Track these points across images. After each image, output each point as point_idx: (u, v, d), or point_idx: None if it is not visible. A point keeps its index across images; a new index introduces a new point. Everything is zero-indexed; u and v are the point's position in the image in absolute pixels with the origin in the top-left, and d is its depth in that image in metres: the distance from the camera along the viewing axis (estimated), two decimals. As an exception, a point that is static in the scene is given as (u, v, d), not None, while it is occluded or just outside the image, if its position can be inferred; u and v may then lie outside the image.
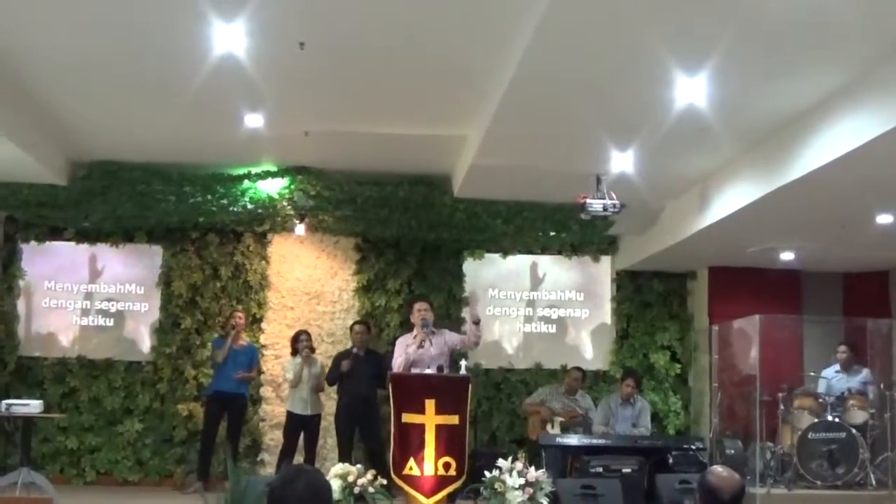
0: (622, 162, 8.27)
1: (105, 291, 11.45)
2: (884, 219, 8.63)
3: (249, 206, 10.23)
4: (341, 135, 8.68)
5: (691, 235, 9.60)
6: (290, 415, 10.40)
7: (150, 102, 7.90)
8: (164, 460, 11.02)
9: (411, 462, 8.10)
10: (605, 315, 12.05)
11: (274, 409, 11.13)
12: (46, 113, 8.22)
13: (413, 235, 11.14)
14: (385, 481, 7.96)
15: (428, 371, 8.47)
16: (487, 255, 11.84)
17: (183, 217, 10.72)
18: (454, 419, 8.19)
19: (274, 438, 10.99)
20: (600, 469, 8.95)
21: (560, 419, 10.31)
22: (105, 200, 10.07)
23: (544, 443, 9.72)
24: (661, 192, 9.63)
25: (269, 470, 10.72)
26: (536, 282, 12.01)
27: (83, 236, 11.34)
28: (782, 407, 9.83)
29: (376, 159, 9.55)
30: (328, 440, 10.76)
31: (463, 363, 8.53)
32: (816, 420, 9.67)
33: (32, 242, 11.30)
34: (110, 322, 11.43)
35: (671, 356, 11.80)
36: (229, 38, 6.15)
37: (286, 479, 3.07)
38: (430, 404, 8.15)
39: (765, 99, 6.84)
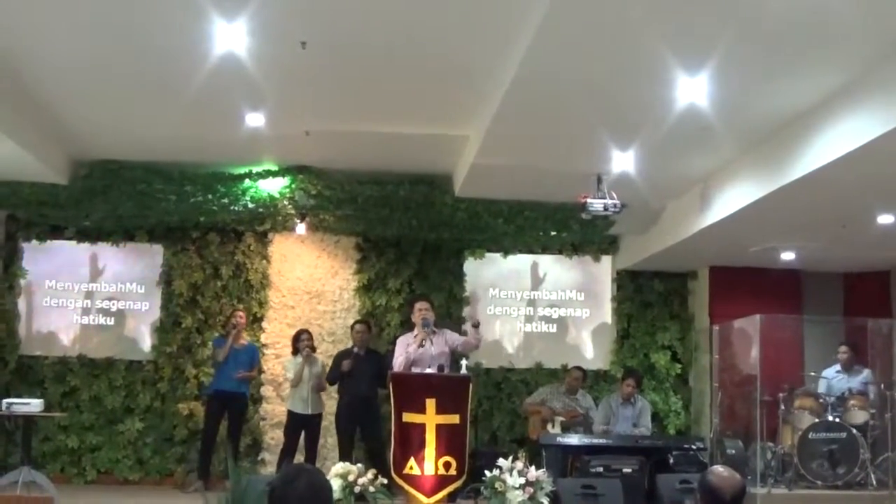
0: (623, 162, 8.27)
1: (106, 290, 11.45)
2: (884, 219, 8.63)
3: (250, 206, 10.23)
4: (342, 134, 8.69)
5: (692, 235, 9.60)
6: (290, 414, 10.40)
7: (151, 101, 7.90)
8: (165, 459, 11.03)
9: (412, 461, 8.11)
10: (606, 315, 12.05)
11: (274, 409, 11.14)
12: (47, 112, 8.22)
13: (414, 235, 11.14)
14: (385, 481, 7.96)
15: (428, 370, 8.48)
16: (488, 255, 11.84)
17: (184, 216, 10.72)
18: (455, 419, 8.20)
19: (274, 438, 10.99)
20: (601, 469, 8.94)
21: (560, 419, 10.31)
22: (106, 199, 10.07)
23: (545, 442, 9.72)
24: (661, 192, 9.63)
25: (269, 469, 10.72)
26: (537, 281, 12.01)
27: (84, 235, 11.34)
28: (783, 407, 9.82)
29: (377, 159, 9.55)
30: (328, 439, 10.75)
31: (463, 363, 8.54)
32: (817, 420, 9.67)
33: (33, 241, 11.30)
34: (111, 321, 11.44)
35: (672, 356, 11.80)
36: (230, 37, 6.15)
37: (287, 479, 3.07)
38: (430, 404, 8.16)
39: (765, 99, 6.84)
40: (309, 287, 11.49)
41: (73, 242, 11.37)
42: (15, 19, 6.28)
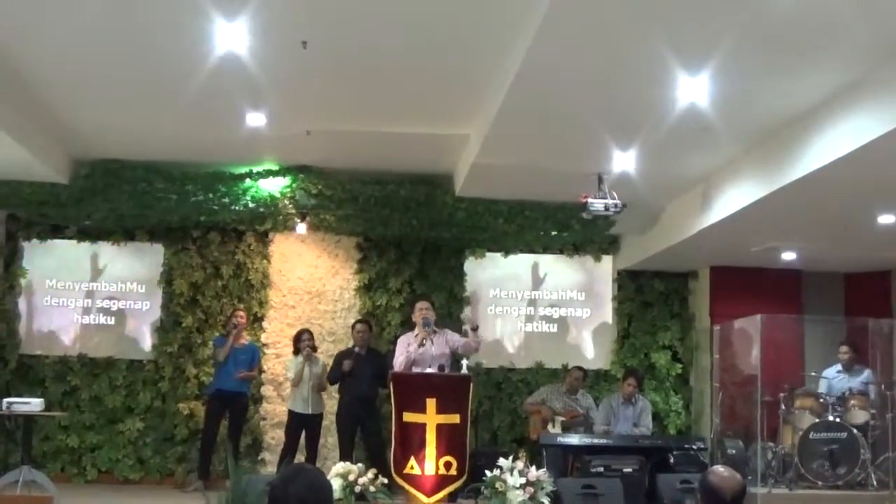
0: (624, 161, 8.27)
1: (106, 290, 11.45)
2: (885, 219, 8.62)
3: (251, 205, 10.22)
4: (343, 134, 8.69)
5: (693, 235, 9.60)
6: (291, 413, 10.40)
7: (151, 101, 7.90)
8: (165, 459, 11.03)
9: (412, 461, 8.12)
10: (607, 314, 12.05)
11: (275, 408, 11.14)
12: (48, 111, 8.22)
13: (414, 234, 11.13)
14: (386, 480, 7.96)
15: (429, 370, 8.48)
16: (489, 255, 11.84)
17: (184, 216, 10.72)
18: (455, 418, 8.21)
19: (275, 437, 11.00)
20: (601, 469, 8.95)
21: (561, 419, 10.31)
22: (107, 199, 10.07)
23: (545, 442, 9.72)
24: (662, 192, 9.63)
25: (269, 469, 10.71)
26: (538, 281, 12.01)
27: (85, 235, 11.35)
28: (783, 407, 9.82)
29: (378, 158, 9.55)
30: (329, 439, 10.75)
31: (464, 362, 8.55)
32: (817, 420, 9.66)
33: (34, 241, 11.31)
34: (111, 320, 11.44)
35: (672, 356, 11.80)
36: (231, 37, 6.15)
37: (287, 478, 3.07)
38: (431, 403, 8.17)
39: (766, 98, 6.83)
40: (309, 287, 11.48)
41: (74, 242, 11.38)
42: (16, 19, 6.27)
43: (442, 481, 8.11)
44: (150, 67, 7.05)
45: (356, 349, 10.30)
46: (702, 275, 11.80)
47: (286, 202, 10.19)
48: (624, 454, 9.22)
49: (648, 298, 11.95)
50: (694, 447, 9.62)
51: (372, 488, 7.78)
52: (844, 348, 10.34)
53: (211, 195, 10.05)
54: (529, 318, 11.96)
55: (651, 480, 8.93)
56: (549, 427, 10.25)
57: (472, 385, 8.46)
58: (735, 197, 8.53)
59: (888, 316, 10.68)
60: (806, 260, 10.77)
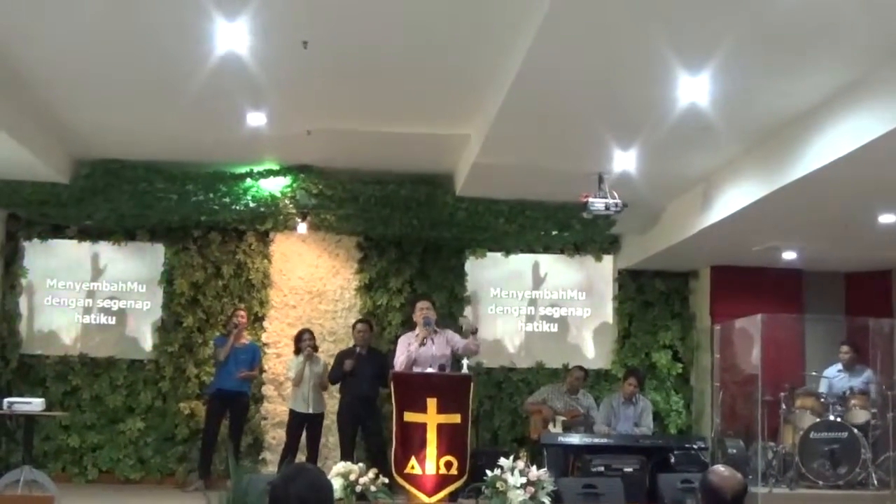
0: (624, 161, 8.27)
1: (107, 290, 11.45)
2: (886, 218, 8.62)
3: (251, 205, 10.23)
4: (343, 133, 8.69)
5: (693, 235, 9.61)
6: (292, 413, 10.41)
7: (152, 101, 7.91)
8: (166, 459, 11.03)
9: (413, 461, 8.12)
10: (607, 314, 12.05)
11: (276, 408, 11.14)
12: (49, 111, 8.23)
13: (415, 234, 11.13)
14: (387, 480, 7.96)
15: (430, 370, 8.48)
16: (489, 254, 11.84)
17: (185, 215, 10.72)
18: (456, 418, 8.21)
19: (276, 437, 11.00)
20: (602, 468, 8.96)
21: (562, 418, 10.31)
22: (107, 199, 10.07)
23: (546, 442, 9.72)
24: (663, 192, 9.63)
25: (270, 468, 10.71)
26: (538, 281, 12.01)
27: (85, 234, 11.35)
28: (784, 406, 9.81)
29: (378, 158, 9.55)
30: (330, 439, 10.75)
31: (465, 362, 8.56)
32: (818, 420, 9.65)
33: (35, 240, 11.31)
34: (112, 320, 11.44)
35: (673, 355, 11.80)
36: (232, 37, 6.15)
37: (288, 478, 3.07)
38: (431, 403, 8.17)
39: (767, 98, 6.83)
40: (310, 286, 11.49)
41: (75, 242, 11.38)
42: (17, 18, 6.28)
43: (443, 481, 8.11)
44: (150, 67, 7.05)
45: (357, 349, 10.30)
46: (702, 274, 11.80)
47: (287, 202, 10.20)
48: (625, 454, 9.22)
49: (649, 298, 11.94)
50: (695, 447, 9.63)
51: (373, 488, 7.78)
52: (845, 348, 10.33)
53: (211, 195, 10.05)
54: (530, 318, 11.96)
55: (652, 480, 8.94)
56: (550, 427, 10.25)
57: (472, 385, 8.46)
58: (736, 196, 8.53)
59: (889, 315, 10.67)
60: (807, 259, 10.77)
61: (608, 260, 12.06)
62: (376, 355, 10.35)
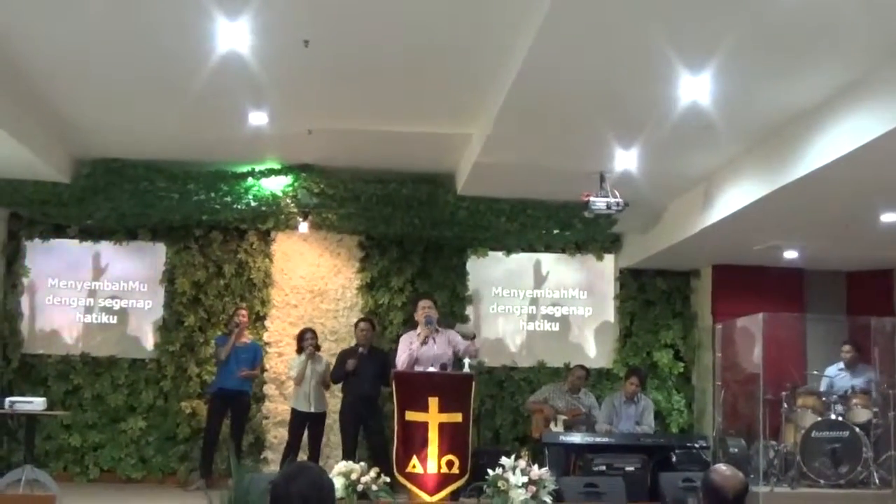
0: (626, 160, 8.27)
1: (109, 289, 11.46)
2: (888, 217, 8.62)
3: (253, 204, 10.23)
4: (345, 133, 8.69)
5: (695, 234, 9.61)
6: (294, 412, 10.41)
7: (153, 100, 7.91)
8: (168, 458, 11.03)
9: (414, 460, 8.12)
10: (609, 313, 12.05)
11: (277, 407, 11.14)
12: (50, 110, 8.23)
13: (416, 233, 11.14)
14: (388, 479, 7.96)
15: (431, 369, 8.48)
16: (491, 253, 11.84)
17: (186, 215, 10.72)
18: (457, 417, 8.21)
19: (277, 436, 11.01)
20: (603, 467, 8.95)
21: (563, 417, 10.30)
22: (108, 198, 10.07)
23: (547, 441, 9.71)
24: (664, 191, 9.64)
25: (272, 467, 10.71)
26: (540, 280, 12.02)
27: (87, 234, 11.35)
28: (785, 405, 9.80)
29: (380, 157, 9.55)
30: (332, 438, 10.75)
31: (466, 361, 8.55)
32: (820, 419, 9.64)
33: (36, 240, 11.31)
34: (114, 319, 11.44)
35: (674, 354, 11.80)
36: (233, 36, 6.15)
37: (289, 477, 3.07)
38: (433, 402, 8.18)
39: (769, 97, 6.83)
40: (312, 285, 11.49)
41: (76, 241, 11.38)
42: (19, 18, 6.28)
43: (444, 480, 8.12)
44: (151, 66, 7.06)
45: (360, 348, 10.30)
46: (704, 273, 11.80)
47: (288, 201, 10.20)
48: (626, 453, 9.22)
49: (650, 297, 11.95)
50: (696, 446, 9.62)
51: (374, 487, 7.77)
52: (847, 347, 10.33)
53: (213, 194, 10.05)
54: (531, 317, 11.97)
55: (653, 479, 8.93)
56: (552, 426, 10.25)
57: (474, 384, 8.45)
58: (737, 196, 8.53)
59: (890, 314, 10.66)
60: (808, 259, 10.77)
61: (609, 259, 12.06)
62: (378, 354, 10.35)
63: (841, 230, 9.28)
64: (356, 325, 10.58)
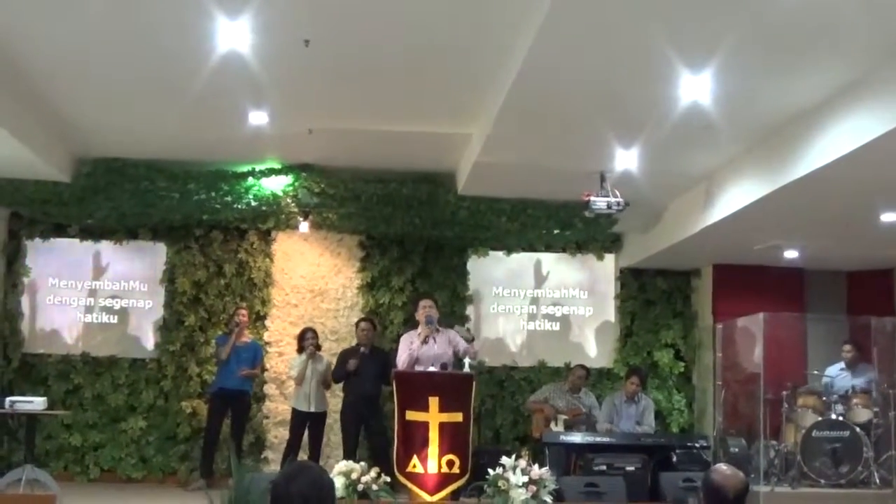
0: (626, 159, 8.27)
1: (109, 289, 11.46)
2: (888, 217, 8.62)
3: (253, 204, 10.24)
4: (345, 132, 8.69)
5: (695, 233, 9.61)
6: (294, 411, 10.41)
7: (153, 100, 7.91)
8: (168, 457, 11.03)
9: (415, 459, 8.12)
10: (609, 313, 12.05)
11: (278, 407, 11.14)
12: (51, 110, 8.23)
13: (417, 233, 11.14)
14: (389, 479, 7.96)
15: (432, 368, 8.48)
16: (491, 253, 11.84)
17: (187, 214, 10.73)
18: (458, 417, 8.21)
19: (278, 436, 11.01)
20: (604, 467, 8.94)
21: (564, 417, 10.30)
22: (109, 197, 10.08)
23: (548, 440, 9.71)
24: (665, 190, 9.64)
25: (272, 467, 10.70)
26: (540, 279, 12.02)
27: (87, 233, 11.35)
28: (786, 405, 9.80)
29: (380, 157, 9.55)
30: (332, 437, 10.76)
31: (466, 360, 8.54)
32: (820, 418, 9.64)
33: (37, 239, 11.31)
34: (114, 319, 11.45)
35: (675, 354, 11.80)
36: (233, 35, 6.15)
37: (289, 476, 3.07)
38: (433, 402, 8.17)
39: (769, 97, 6.83)
40: (312, 285, 11.49)
41: (77, 240, 11.38)
42: (19, 17, 6.28)
43: (444, 479, 8.11)
44: (152, 66, 7.06)
45: (361, 348, 10.29)
46: (704, 273, 11.80)
47: (289, 200, 10.21)
48: (627, 452, 9.21)
49: (651, 297, 11.95)
50: (697, 445, 9.61)
51: (375, 486, 7.77)
52: (847, 346, 10.34)
53: (213, 194, 10.06)
54: (532, 317, 11.97)
55: (654, 479, 8.93)
56: (552, 425, 10.25)
57: (474, 383, 8.45)
58: (737, 195, 8.53)
59: (891, 314, 10.66)
60: (808, 258, 10.76)
61: (610, 258, 12.07)
62: (379, 354, 10.34)
63: (841, 230, 9.28)
64: (357, 324, 10.58)
